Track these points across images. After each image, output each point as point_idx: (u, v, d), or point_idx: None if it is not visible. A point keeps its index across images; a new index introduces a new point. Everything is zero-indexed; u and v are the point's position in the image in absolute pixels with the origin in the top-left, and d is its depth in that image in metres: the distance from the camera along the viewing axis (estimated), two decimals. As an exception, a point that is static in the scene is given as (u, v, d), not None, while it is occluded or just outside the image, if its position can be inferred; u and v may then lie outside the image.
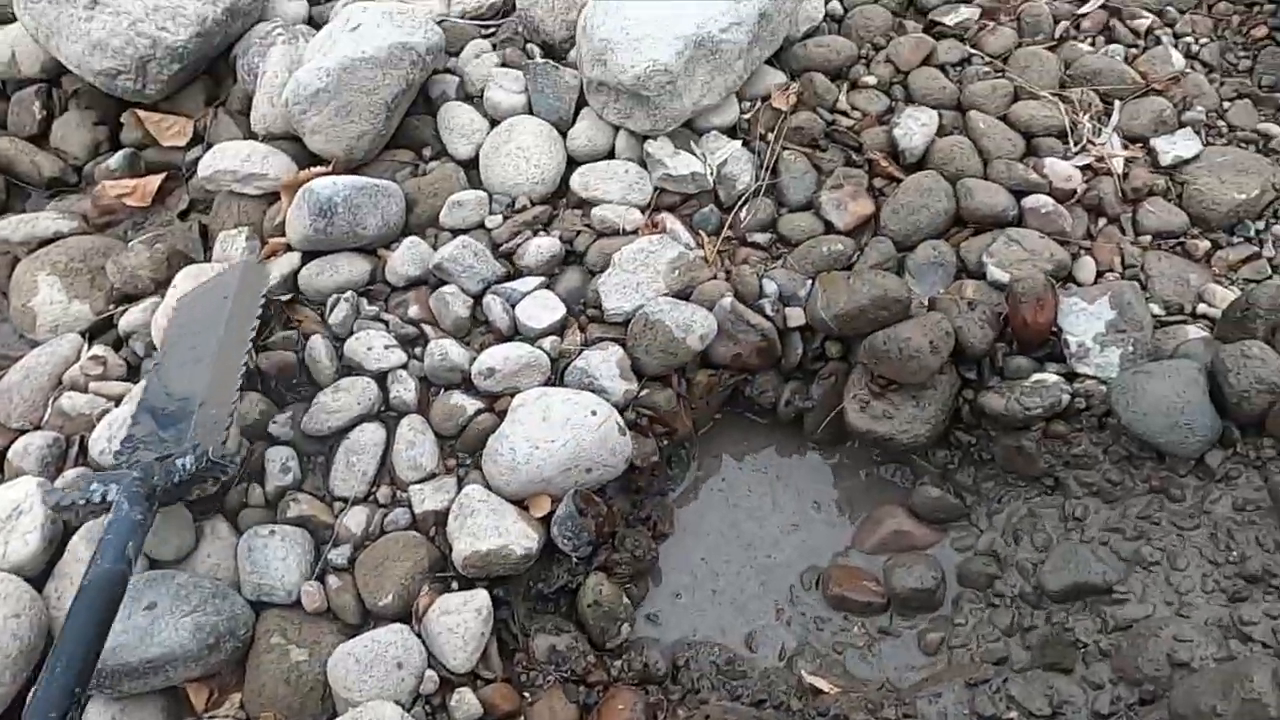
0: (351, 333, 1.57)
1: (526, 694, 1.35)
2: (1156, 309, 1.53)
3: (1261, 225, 1.63)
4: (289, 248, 1.70)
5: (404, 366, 1.55)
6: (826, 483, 1.62)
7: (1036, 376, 1.48)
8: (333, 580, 1.38)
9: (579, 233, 1.68)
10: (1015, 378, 1.50)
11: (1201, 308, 1.54)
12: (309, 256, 1.67)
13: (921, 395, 1.50)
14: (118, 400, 1.54)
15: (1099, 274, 1.58)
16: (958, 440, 1.55)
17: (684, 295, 1.60)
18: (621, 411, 1.50)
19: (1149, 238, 1.63)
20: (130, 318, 1.64)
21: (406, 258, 1.64)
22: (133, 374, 1.61)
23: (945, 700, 1.29)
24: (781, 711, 1.36)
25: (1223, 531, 1.30)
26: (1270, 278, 1.55)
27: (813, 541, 1.57)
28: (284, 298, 1.63)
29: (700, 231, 1.71)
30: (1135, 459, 1.40)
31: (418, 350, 1.58)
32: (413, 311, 1.62)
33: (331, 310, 1.59)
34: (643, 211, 1.70)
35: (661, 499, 1.62)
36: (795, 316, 1.60)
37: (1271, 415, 1.30)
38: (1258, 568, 1.25)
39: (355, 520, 1.43)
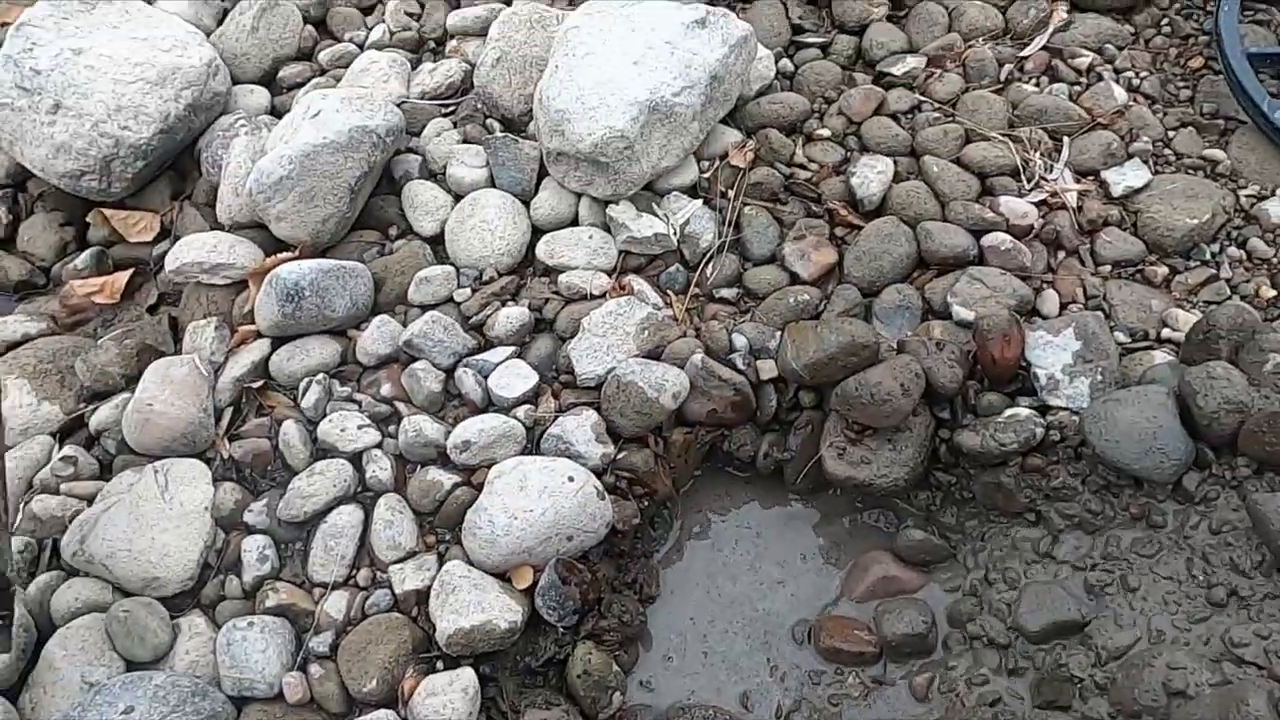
0: (324, 415, 1.57)
1: (519, 779, 1.32)
2: (1121, 336, 1.55)
3: (1216, 248, 1.66)
4: (259, 334, 1.70)
5: (379, 445, 1.54)
6: (811, 533, 1.61)
7: (1009, 411, 1.49)
8: (315, 669, 1.35)
9: (547, 300, 1.69)
10: (988, 414, 1.50)
11: (1165, 332, 1.55)
12: (279, 342, 1.68)
13: (897, 438, 1.50)
14: (90, 500, 1.52)
15: (1062, 306, 1.60)
16: (937, 480, 1.55)
17: (655, 355, 1.60)
18: (600, 475, 1.50)
19: (1109, 267, 1.66)
20: (101, 415, 1.63)
21: (376, 336, 1.64)
22: (104, 473, 1.60)
23: (947, 748, 1.27)
24: (782, 770, 1.32)
25: (1203, 556, 1.29)
26: (1229, 298, 1.57)
27: (801, 593, 1.55)
28: (255, 385, 1.63)
29: (668, 291, 1.73)
30: (1114, 487, 1.41)
31: (392, 428, 1.57)
32: (385, 390, 1.62)
33: (304, 394, 1.59)
34: (609, 275, 1.71)
35: (646, 561, 1.61)
36: (767, 369, 1.61)
37: (1243, 434, 1.31)
38: (1245, 588, 1.25)
39: (336, 606, 1.41)
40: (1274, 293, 1.59)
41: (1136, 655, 1.25)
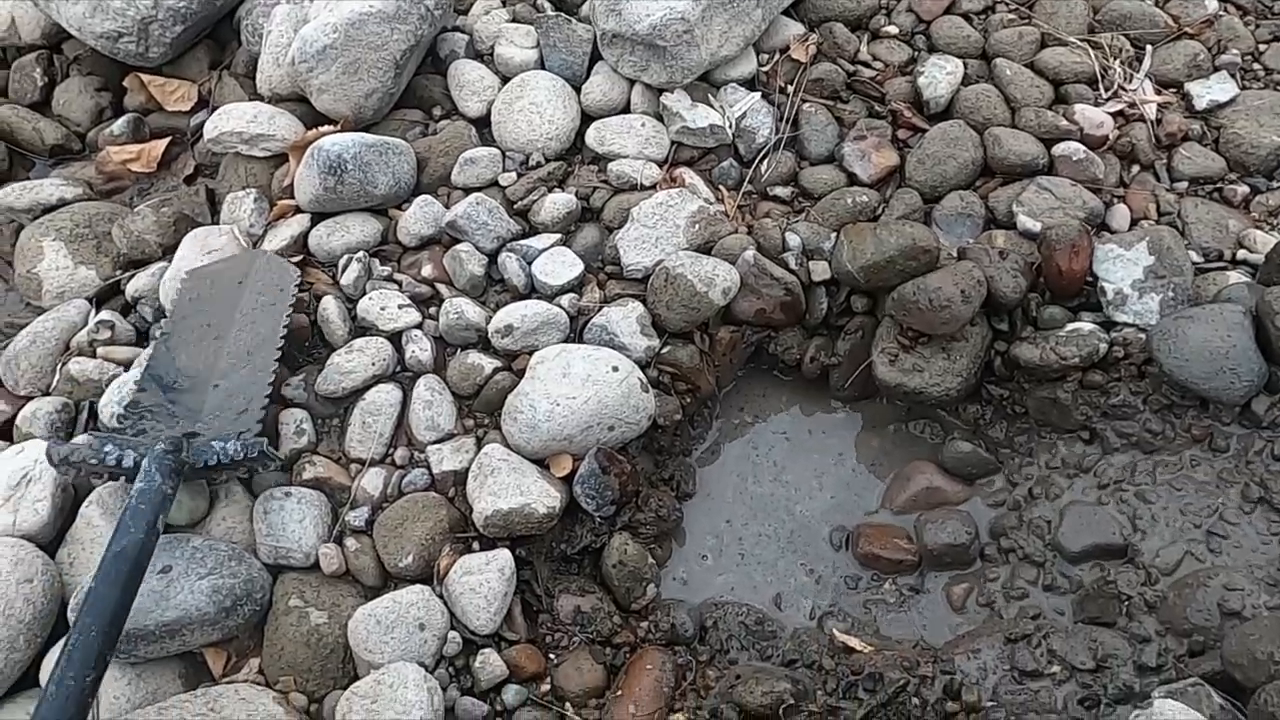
0: (364, 293, 1.54)
1: (552, 655, 1.31)
2: (1195, 256, 1.48)
3: (1301, 169, 1.58)
4: (298, 209, 1.66)
5: (419, 326, 1.51)
6: (854, 440, 1.58)
7: (1072, 326, 1.43)
8: (351, 543, 1.34)
9: (595, 189, 1.64)
10: (1050, 327, 1.45)
11: (1242, 254, 1.49)
12: (319, 218, 1.64)
13: (952, 348, 1.46)
14: (126, 365, 1.50)
15: (1134, 222, 1.53)
16: (989, 394, 1.50)
17: (705, 250, 1.55)
18: (643, 369, 1.46)
19: (1185, 184, 1.58)
20: (137, 283, 1.61)
21: (419, 216, 1.60)
22: (141, 339, 1.58)
23: (985, 656, 1.25)
24: (814, 670, 1.32)
25: (1263, 482, 1.25)
26: (1312, 222, 1.50)
27: (841, 500, 1.53)
28: (294, 259, 1.59)
29: (720, 186, 1.67)
30: (1177, 408, 1.36)
31: (432, 310, 1.54)
32: (426, 271, 1.58)
33: (343, 271, 1.55)
34: (660, 166, 1.65)
35: (684, 459, 1.58)
36: (820, 270, 1.56)
37: (1320, 358, 1.26)
38: (1308, 514, 1.21)
39: (372, 482, 1.39)
40: (1358, 218, 1.52)
41: (1191, 575, 1.22)
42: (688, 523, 1.53)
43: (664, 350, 1.51)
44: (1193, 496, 1.30)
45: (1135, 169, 1.61)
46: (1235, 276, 1.43)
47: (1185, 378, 1.30)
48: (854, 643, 1.33)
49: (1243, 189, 1.57)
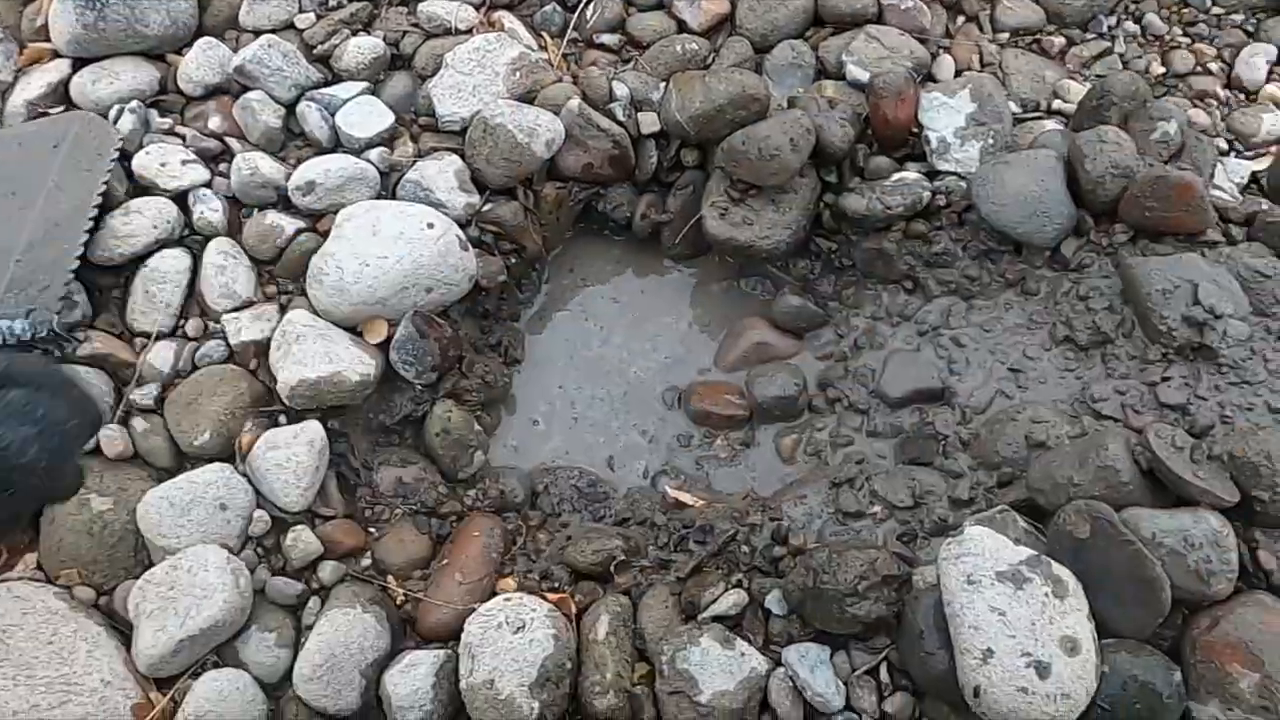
0: (141, 147, 1.36)
1: (372, 529, 1.24)
2: (1014, 106, 1.49)
3: (1114, 21, 1.61)
4: (56, 54, 1.44)
5: (207, 185, 1.36)
6: (686, 300, 1.55)
7: (897, 175, 1.43)
8: (138, 423, 1.22)
9: (405, 33, 1.49)
10: (876, 178, 1.44)
11: (1057, 104, 1.51)
12: (81, 63, 1.43)
13: (781, 199, 1.43)
14: None
15: (958, 72, 1.53)
16: (818, 247, 1.49)
17: (527, 99, 1.45)
18: (463, 227, 1.37)
19: (1007, 35, 1.59)
20: None
21: (201, 61, 1.42)
22: None
23: (810, 502, 1.26)
24: (646, 528, 1.30)
25: (1068, 321, 1.30)
26: (1122, 72, 1.53)
27: (674, 360, 1.50)
28: (55, 110, 1.39)
29: (542, 33, 1.55)
30: (993, 254, 1.38)
31: (223, 167, 1.38)
32: (214, 124, 1.41)
33: (115, 123, 1.36)
34: (477, 9, 1.52)
35: (512, 324, 1.51)
36: (649, 122, 1.48)
37: (1124, 200, 1.29)
38: (1107, 350, 1.26)
39: (161, 357, 1.26)
40: (1163, 70, 1.57)
41: (1001, 412, 1.26)
42: (517, 389, 1.48)
43: (485, 208, 1.41)
44: (1004, 338, 1.34)
45: (960, 19, 1.60)
46: (1050, 125, 1.45)
47: (1002, 222, 1.32)
48: (685, 498, 1.32)
49: (1060, 40, 1.58)
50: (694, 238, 1.50)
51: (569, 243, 1.57)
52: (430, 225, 1.30)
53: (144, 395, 1.23)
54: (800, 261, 1.51)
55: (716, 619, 1.14)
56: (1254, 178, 1.42)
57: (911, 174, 1.42)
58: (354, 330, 1.30)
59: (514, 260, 1.46)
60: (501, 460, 1.42)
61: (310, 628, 1.14)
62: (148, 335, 1.28)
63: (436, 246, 1.29)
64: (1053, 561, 1.01)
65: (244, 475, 1.19)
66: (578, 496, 1.37)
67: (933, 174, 1.43)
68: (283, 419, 1.24)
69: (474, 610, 1.14)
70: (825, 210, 1.47)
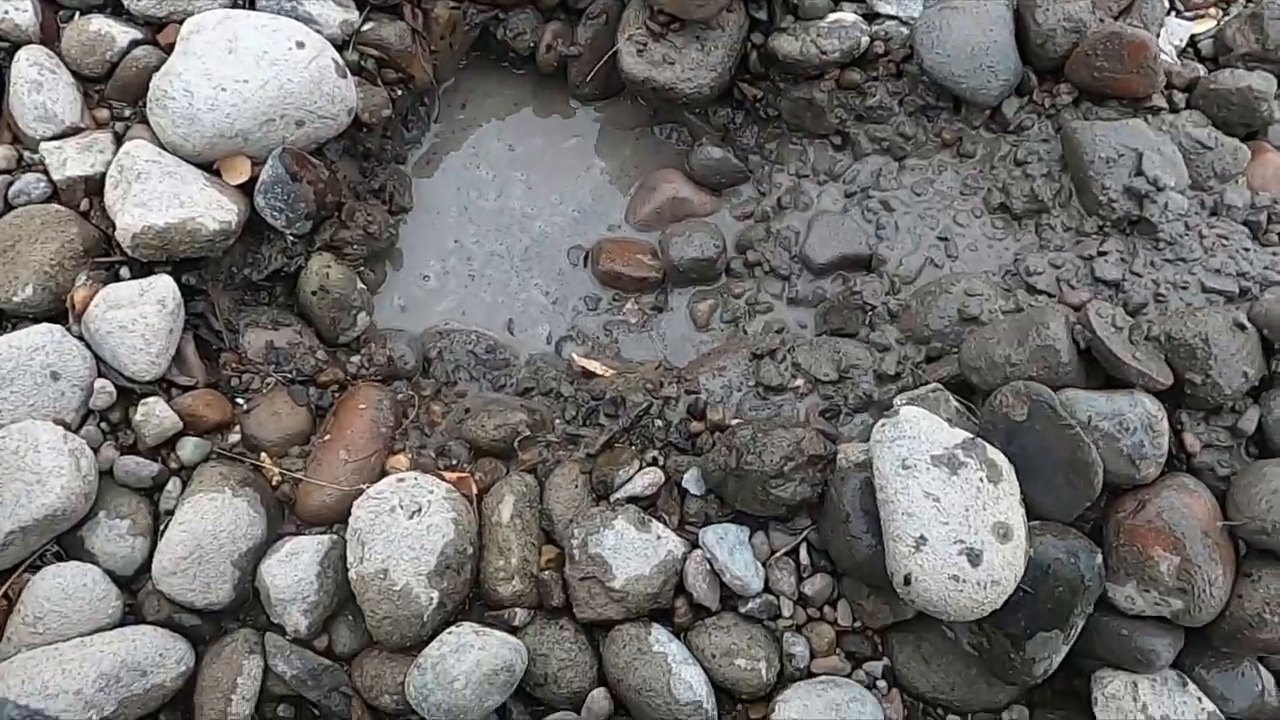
0: (-84, -78, 1.08)
1: (240, 401, 1.09)
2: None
3: None
4: None
5: (10, -24, 1.09)
6: (594, 146, 1.40)
7: (834, 16, 1.29)
8: (-61, 272, 1.01)
9: None
10: (811, 18, 1.30)
11: (1004, -55, 1.38)
12: None
13: (706, 36, 1.27)
14: None
15: (901, -99, 1.37)
16: (742, 94, 1.35)
17: (414, -105, 1.22)
18: (339, 49, 1.16)
19: None
20: None
21: None
22: None
23: (729, 374, 1.18)
24: (552, 399, 1.20)
25: (1005, 188, 1.23)
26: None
27: (580, 214, 1.36)
28: None
29: None
30: (930, 110, 1.28)
31: (30, -45, 1.12)
32: (15, -103, 1.13)
33: (-123, -114, 1.07)
34: None
35: (397, 167, 1.33)
36: (558, -66, 1.29)
37: (1074, 57, 1.21)
38: (1043, 220, 1.20)
39: (-36, 192, 1.04)
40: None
41: (933, 283, 1.19)
42: (405, 242, 1.31)
43: (366, 27, 1.21)
44: (936, 203, 1.26)
45: None
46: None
47: (944, 75, 1.21)
48: (594, 366, 1.21)
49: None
50: (606, 76, 1.33)
51: (462, 74, 1.37)
52: (300, 45, 1.10)
53: (-56, 239, 1.01)
54: (722, 109, 1.37)
55: (630, 500, 1.07)
56: (1192, 40, 1.35)
57: (850, 15, 1.29)
58: (209, 168, 1.10)
59: (399, 92, 1.27)
60: (388, 322, 1.28)
61: (170, 513, 1.00)
62: (-57, 164, 1.05)
63: (308, 71, 1.09)
64: (987, 445, 0.96)
65: (80, 339, 1.01)
66: (475, 363, 1.24)
67: (872, 16, 1.30)
68: (125, 272, 1.06)
69: (362, 492, 1.02)
70: (753, 52, 1.32)
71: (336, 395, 1.14)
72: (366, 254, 1.24)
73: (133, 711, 0.92)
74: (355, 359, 1.17)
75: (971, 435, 0.97)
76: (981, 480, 0.94)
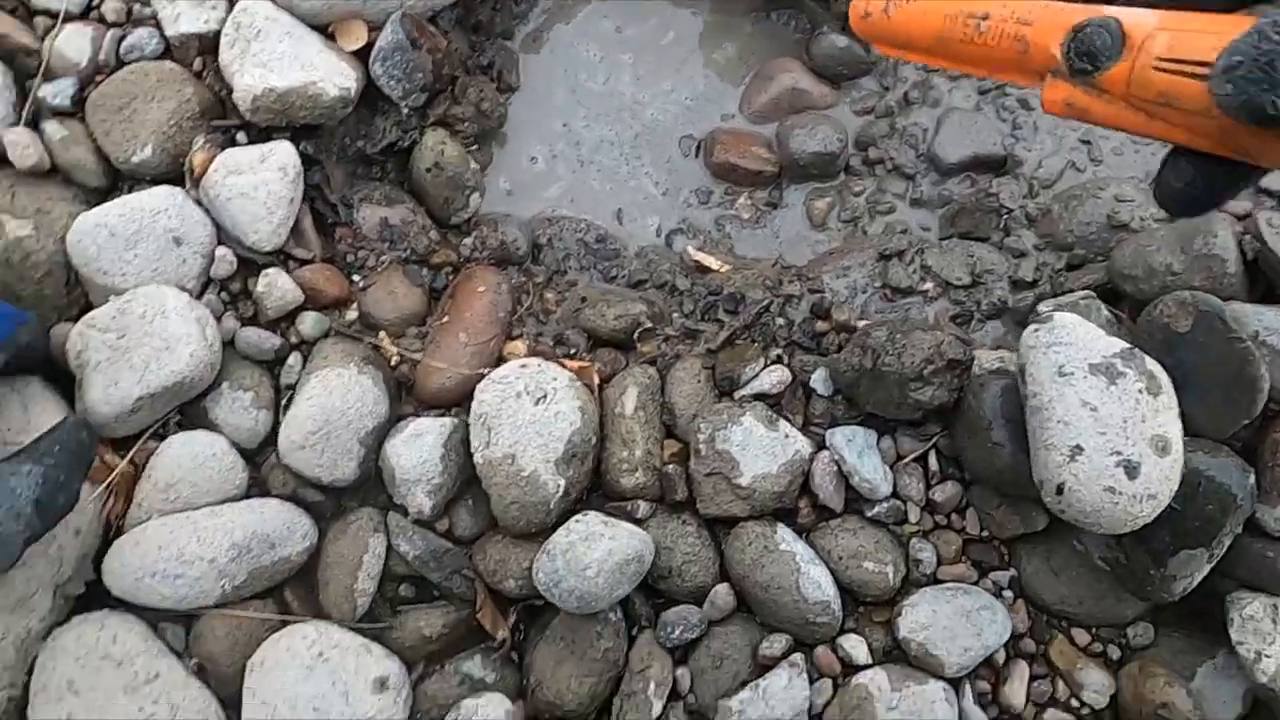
0: None
1: (356, 278, 1.06)
2: None
3: None
4: None
5: None
6: (709, 33, 1.32)
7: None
8: (53, 128, 0.96)
9: None
10: (956, -105, 1.21)
11: None
12: None
13: (843, -88, 1.19)
14: None
15: None
16: (872, -21, 1.27)
17: None
18: (459, -92, 1.09)
19: None
20: None
21: None
22: None
23: (854, 275, 1.14)
24: (665, 292, 1.16)
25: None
26: None
27: (693, 102, 1.30)
28: None
29: None
30: (1078, 2, 1.20)
31: None
32: None
33: None
34: None
35: (505, 43, 1.27)
36: None
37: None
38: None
39: (75, 45, 0.99)
40: None
41: (1077, 187, 1.13)
42: (513, 122, 1.26)
43: (485, -115, 1.13)
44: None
45: None
46: None
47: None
48: (710, 261, 1.17)
49: None
50: (730, -48, 1.26)
51: (576, -54, 1.30)
52: (425, -102, 1.03)
53: (57, 94, 0.97)
54: (848, -7, 1.29)
55: (757, 397, 1.04)
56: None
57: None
58: (325, 31, 1.04)
59: (514, -41, 1.20)
60: (495, 206, 1.23)
61: (291, 387, 0.98)
62: (53, 16, 0.99)
63: (434, -73, 1.02)
64: (1145, 356, 0.92)
65: (199, 204, 0.97)
66: (585, 252, 1.20)
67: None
68: (242, 137, 1.01)
69: (483, 376, 1.00)
70: (889, -68, 1.23)
71: (450, 277, 1.10)
72: (477, 133, 1.18)
73: (260, 583, 0.91)
74: (467, 241, 1.13)
75: (1129, 345, 0.92)
76: (1140, 391, 0.90)
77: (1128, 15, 0.51)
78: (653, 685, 0.94)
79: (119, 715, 0.84)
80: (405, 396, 1.03)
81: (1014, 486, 0.96)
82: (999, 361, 1.03)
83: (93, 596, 0.90)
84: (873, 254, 1.15)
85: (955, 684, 0.97)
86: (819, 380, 1.05)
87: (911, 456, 1.02)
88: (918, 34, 0.60)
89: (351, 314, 1.03)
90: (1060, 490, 0.88)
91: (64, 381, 0.92)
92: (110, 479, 0.90)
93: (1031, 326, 0.94)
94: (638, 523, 0.99)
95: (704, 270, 1.18)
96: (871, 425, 1.03)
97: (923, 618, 0.97)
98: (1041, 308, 1.00)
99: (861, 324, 1.08)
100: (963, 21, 0.57)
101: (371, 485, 0.99)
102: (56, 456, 0.77)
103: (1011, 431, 0.95)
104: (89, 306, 0.95)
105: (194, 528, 0.86)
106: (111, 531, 0.91)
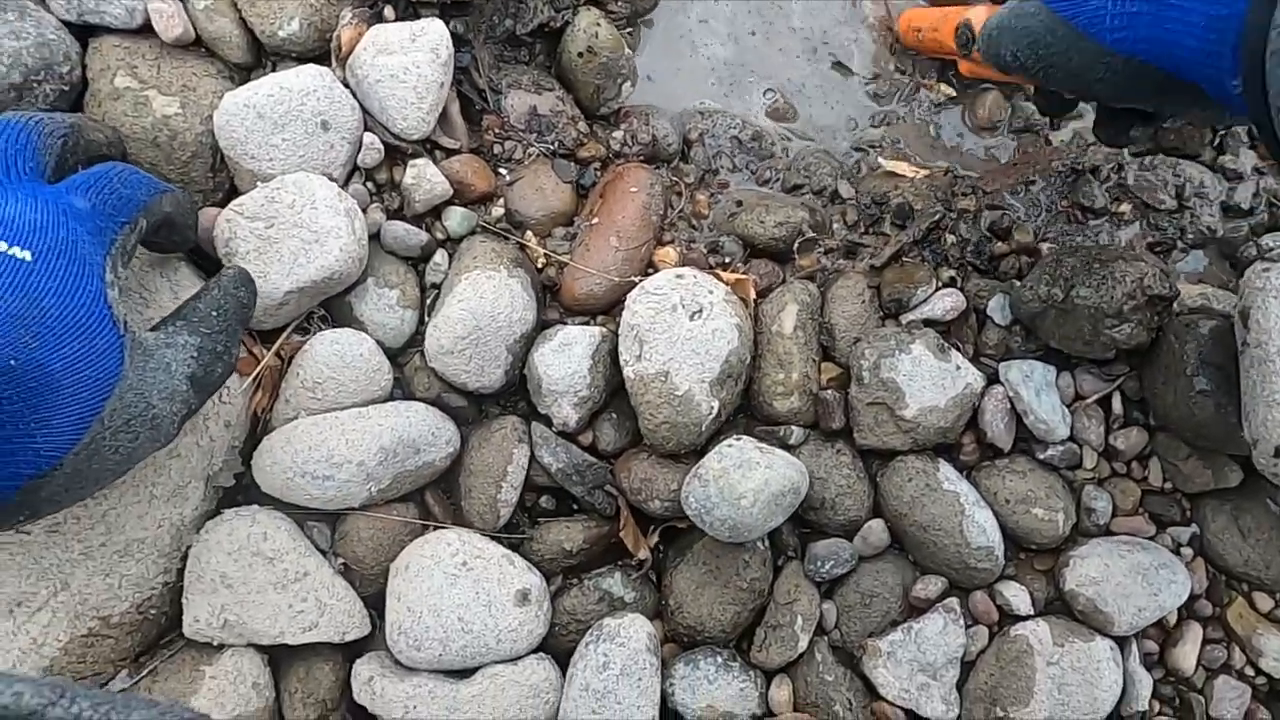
0: None
1: (502, 171, 0.99)
2: None
3: None
4: None
5: None
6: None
7: None
8: (197, -4, 0.90)
9: None
10: None
11: None
12: None
13: None
14: None
15: None
16: None
17: None
18: None
19: None
20: None
21: None
22: None
23: (1039, 189, 1.03)
24: (825, 198, 1.07)
25: None
26: None
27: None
28: None
29: None
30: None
31: None
32: None
33: None
34: None
35: (660, -89, 1.15)
36: None
37: None
38: None
39: (217, -96, 0.91)
40: None
41: (1314, 101, 0.99)
42: (660, 8, 1.15)
43: None
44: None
45: None
46: None
47: None
48: (903, 168, 1.07)
49: None
50: None
51: None
52: None
53: (199, -43, 0.91)
54: None
55: (926, 323, 0.96)
56: None
57: None
58: (476, -106, 0.95)
59: None
60: (640, 97, 1.14)
61: (436, 286, 0.93)
62: None
63: None
64: (1393, 305, 0.81)
65: (345, 85, 0.91)
66: (739, 150, 1.11)
67: None
68: (389, 12, 0.94)
69: (633, 284, 0.94)
70: None
71: (598, 173, 1.03)
72: (629, 13, 1.09)
73: (403, 486, 0.89)
74: (617, 135, 1.05)
75: (1375, 292, 0.81)
76: (1384, 347, 0.79)
77: (975, 13, 0.94)
78: (800, 620, 0.90)
79: (270, 611, 0.84)
80: (549, 300, 0.98)
81: (1210, 440, 0.87)
82: (1202, 299, 0.93)
83: (237, 489, 0.90)
84: (1061, 167, 1.04)
85: (1121, 642, 0.91)
86: (996, 308, 0.96)
87: (1094, 398, 0.94)
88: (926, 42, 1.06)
89: (498, 210, 0.97)
90: (1278, 452, 0.79)
91: (210, 267, 0.89)
92: (257, 371, 0.87)
93: (1260, 265, 0.83)
94: (789, 449, 0.93)
95: (885, 175, 1.08)
96: (1050, 360, 0.95)
97: (1093, 571, 0.90)
98: (1266, 241, 0.89)
99: (1045, 247, 0.98)
100: (916, 34, 1.06)
101: (512, 392, 0.95)
102: (214, 323, 0.73)
103: (1218, 379, 0.85)
104: (233, 191, 0.91)
105: (342, 430, 0.84)
106: (259, 426, 0.89)
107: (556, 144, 1.01)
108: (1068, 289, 0.89)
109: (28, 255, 0.61)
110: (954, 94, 1.13)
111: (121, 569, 0.81)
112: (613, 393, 0.95)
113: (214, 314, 0.72)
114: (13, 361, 0.58)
